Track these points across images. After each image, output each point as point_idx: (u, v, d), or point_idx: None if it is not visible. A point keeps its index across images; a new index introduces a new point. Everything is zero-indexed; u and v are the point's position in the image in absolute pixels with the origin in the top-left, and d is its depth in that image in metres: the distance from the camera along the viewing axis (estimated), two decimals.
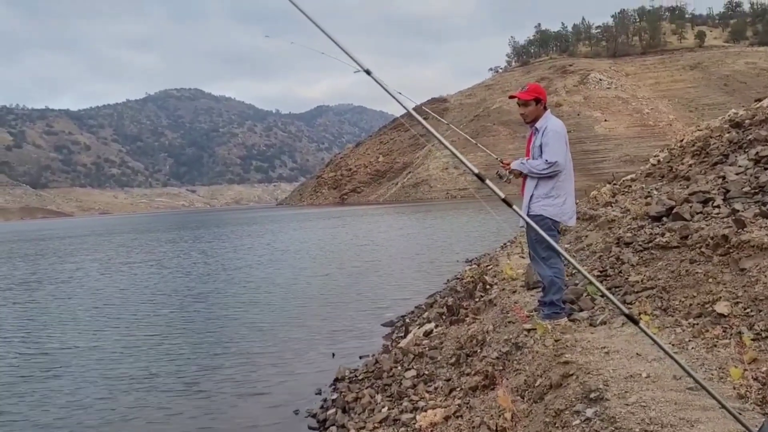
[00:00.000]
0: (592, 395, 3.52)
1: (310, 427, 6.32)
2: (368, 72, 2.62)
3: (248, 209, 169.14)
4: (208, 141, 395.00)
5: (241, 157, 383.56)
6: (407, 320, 10.49)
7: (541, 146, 4.89)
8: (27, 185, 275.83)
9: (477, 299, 8.26)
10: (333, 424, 6.04)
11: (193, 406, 7.26)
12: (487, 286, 8.46)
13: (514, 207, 2.70)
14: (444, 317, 8.98)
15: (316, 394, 7.34)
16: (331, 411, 6.38)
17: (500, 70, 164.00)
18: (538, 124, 5.02)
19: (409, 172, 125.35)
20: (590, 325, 4.83)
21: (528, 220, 3.10)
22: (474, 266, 14.04)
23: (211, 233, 46.38)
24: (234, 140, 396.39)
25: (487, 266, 10.96)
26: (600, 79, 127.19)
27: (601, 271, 6.02)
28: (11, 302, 16.24)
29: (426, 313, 10.27)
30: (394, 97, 2.83)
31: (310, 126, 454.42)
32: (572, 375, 3.87)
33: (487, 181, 2.50)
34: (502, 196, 2.53)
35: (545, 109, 5.10)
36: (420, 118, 2.64)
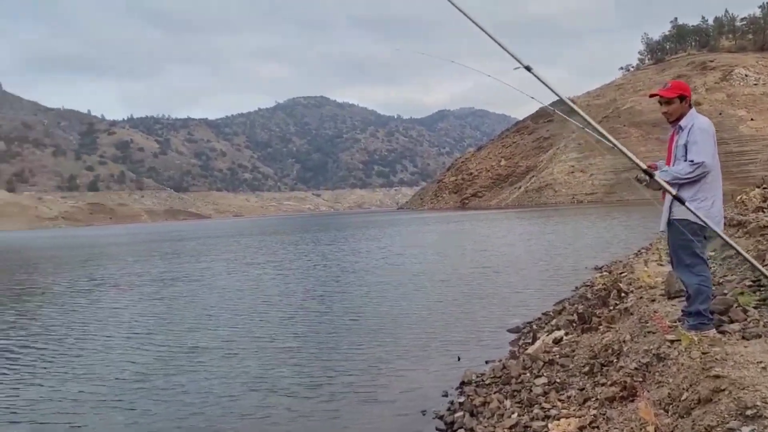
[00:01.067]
0: (749, 412, 3.29)
1: (437, 429, 6.35)
2: (528, 68, 2.62)
3: (370, 213, 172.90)
4: (332, 147, 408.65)
5: (363, 162, 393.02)
6: (534, 327, 10.26)
7: (685, 145, 4.60)
8: (171, 189, 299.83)
9: (611, 307, 7.92)
10: (461, 427, 6.04)
11: (318, 405, 7.44)
12: (622, 294, 8.08)
13: (687, 204, 2.65)
14: (575, 325, 8.68)
15: (443, 396, 7.36)
16: (459, 414, 6.38)
17: (632, 69, 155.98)
18: (682, 123, 4.74)
19: (533, 176, 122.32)
20: (743, 338, 4.49)
21: (716, 229, 2.93)
22: (605, 273, 13.45)
23: (332, 236, 47.89)
24: (357, 146, 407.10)
25: (620, 273, 10.48)
26: (746, 75, 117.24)
27: (753, 281, 5.57)
28: (145, 299, 17.60)
29: (554, 320, 9.98)
30: (556, 93, 2.81)
31: (431, 130, 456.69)
32: (724, 390, 3.62)
33: (657, 177, 2.50)
34: (674, 192, 2.53)
35: (690, 106, 4.82)
36: (584, 115, 2.61)
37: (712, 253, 7.58)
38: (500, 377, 7.15)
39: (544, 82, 2.75)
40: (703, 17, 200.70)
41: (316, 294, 16.72)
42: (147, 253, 39.55)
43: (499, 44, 2.51)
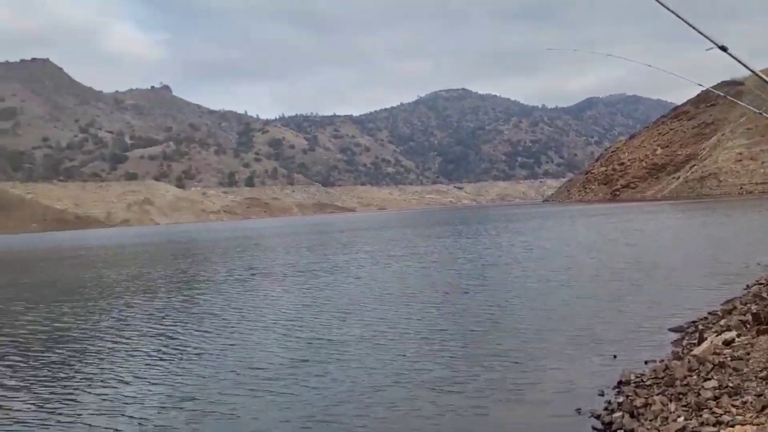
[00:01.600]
0: None
1: (594, 428, 6.00)
2: (724, 48, 2.51)
3: (513, 206, 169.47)
4: (474, 139, 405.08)
5: (506, 154, 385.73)
6: (700, 326, 9.39)
7: None
8: (319, 184, 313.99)
9: None
10: (620, 428, 5.64)
11: (465, 401, 7.24)
12: None
13: None
14: (748, 326, 7.83)
15: (599, 395, 6.93)
16: (617, 414, 5.96)
17: None
18: None
19: (694, 165, 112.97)
20: None
21: None
22: None
23: (474, 229, 47.42)
24: (499, 137, 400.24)
25: None
26: None
27: None
28: (295, 289, 18.38)
29: (723, 320, 9.07)
30: (758, 75, 2.53)
31: (577, 119, 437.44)
32: None
33: None
34: None
35: None
36: None
37: None
38: (662, 378, 6.60)
39: (741, 62, 2.61)
40: None
41: (458, 287, 16.58)
42: (297, 244, 41.64)
43: (691, 26, 2.47)
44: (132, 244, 60.20)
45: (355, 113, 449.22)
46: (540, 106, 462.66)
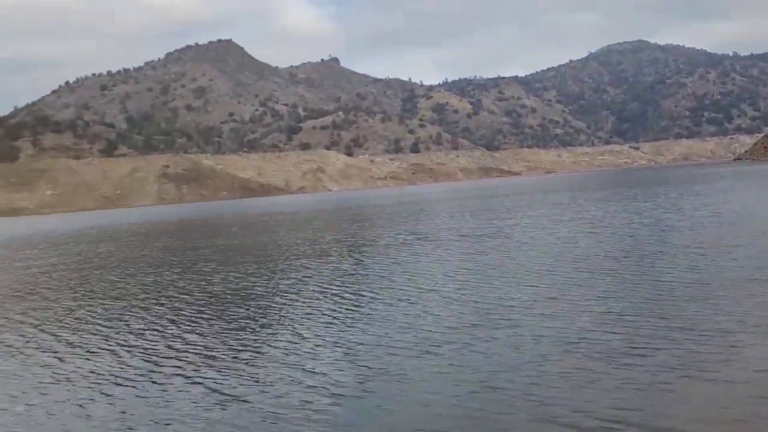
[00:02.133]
0: None
1: None
2: None
3: (698, 165, 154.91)
4: (652, 94, 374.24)
5: (690, 109, 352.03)
6: None
7: None
8: (483, 148, 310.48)
9: None
10: None
11: (645, 375, 6.76)
12: None
13: None
14: None
15: None
16: None
17: None
18: None
19: None
20: None
21: None
22: None
23: (651, 192, 44.00)
24: (682, 91, 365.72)
25: None
26: None
27: None
28: (459, 254, 18.34)
29: None
30: None
31: None
32: None
33: None
34: None
35: None
36: None
37: None
38: None
39: None
40: None
41: (633, 253, 15.49)
42: (461, 209, 41.62)
43: None
44: (306, 209, 64.10)
45: (521, 74, 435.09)
46: (731, 54, 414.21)
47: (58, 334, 11.16)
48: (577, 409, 5.98)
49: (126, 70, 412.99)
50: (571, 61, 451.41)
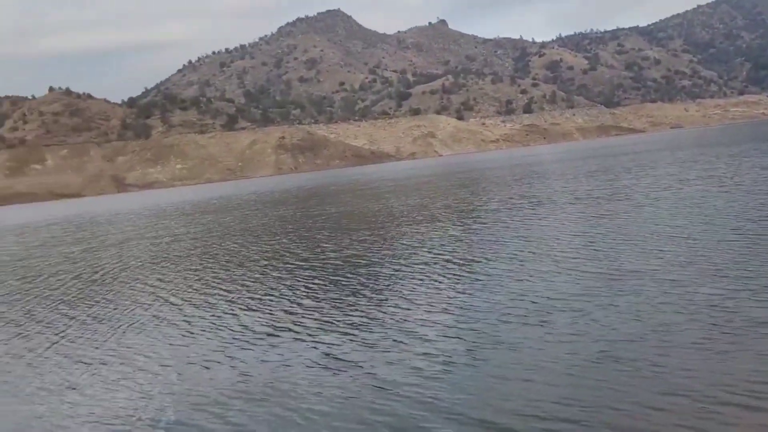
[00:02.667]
0: None
1: None
2: None
3: None
4: None
5: None
6: None
7: None
8: (601, 105, 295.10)
9: None
10: None
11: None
12: None
13: None
14: None
15: None
16: None
17: None
18: None
19: None
20: None
21: None
22: None
23: None
24: None
25: None
26: None
27: None
28: (571, 217, 17.50)
29: None
30: None
31: None
32: None
33: None
34: None
35: None
36: None
37: None
38: None
39: None
40: None
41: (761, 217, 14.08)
42: (576, 170, 39.90)
43: None
44: (416, 175, 64.16)
45: (642, 23, 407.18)
46: None
47: (186, 298, 11.92)
48: (713, 383, 5.55)
49: (242, 47, 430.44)
50: (699, 6, 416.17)
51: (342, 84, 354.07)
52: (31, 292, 14.62)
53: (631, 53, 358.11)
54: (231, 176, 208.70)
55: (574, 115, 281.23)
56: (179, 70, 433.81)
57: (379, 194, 38.22)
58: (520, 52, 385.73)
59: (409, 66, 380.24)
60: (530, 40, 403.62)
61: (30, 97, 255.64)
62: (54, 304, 12.79)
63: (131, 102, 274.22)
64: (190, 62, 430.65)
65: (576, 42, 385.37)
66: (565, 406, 5.49)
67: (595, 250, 12.18)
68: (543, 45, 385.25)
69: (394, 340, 7.85)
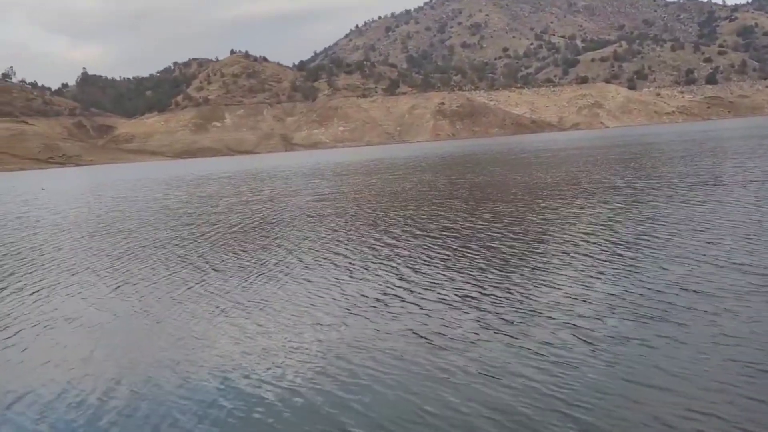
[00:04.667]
0: None
1: None
2: None
3: None
4: None
5: None
6: None
7: None
8: None
9: None
10: None
11: None
12: None
13: None
14: None
15: None
16: None
17: None
18: None
19: None
20: None
21: None
22: None
23: None
24: None
25: None
26: None
27: None
28: (753, 200, 15.26)
29: None
30: None
31: None
32: None
33: None
34: None
35: None
36: None
37: None
38: None
39: None
40: None
41: None
42: (756, 149, 35.21)
43: None
44: (573, 147, 60.81)
45: None
46: None
47: (319, 257, 11.99)
48: None
49: (407, 12, 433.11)
50: None
51: (506, 50, 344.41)
52: (179, 237, 15.64)
53: None
54: (390, 140, 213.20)
55: (767, 87, 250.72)
56: (346, 35, 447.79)
57: (529, 165, 36.61)
58: (707, 16, 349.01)
59: (578, 31, 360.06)
60: (720, 2, 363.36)
61: (214, 60, 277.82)
62: (188, 252, 13.52)
63: (301, 65, 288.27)
64: (356, 27, 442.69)
65: None
66: (698, 421, 4.55)
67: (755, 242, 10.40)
68: (735, 8, 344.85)
69: (511, 323, 7.17)
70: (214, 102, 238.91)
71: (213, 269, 11.59)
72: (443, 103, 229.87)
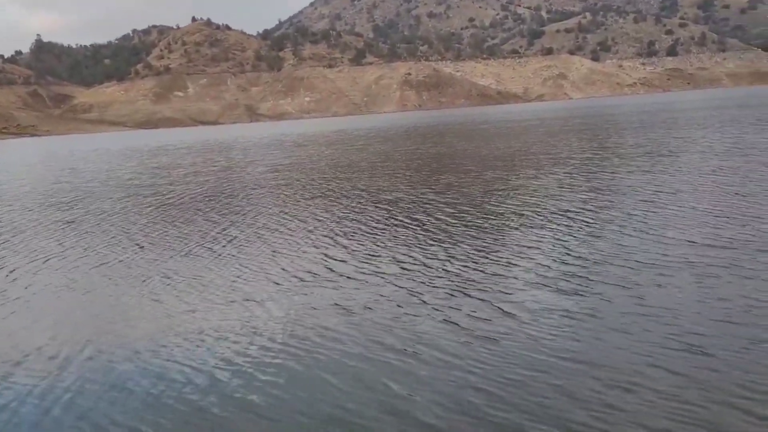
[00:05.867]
0: None
1: None
2: None
3: None
4: None
5: None
6: None
7: None
8: (759, 49, 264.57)
9: None
10: None
11: None
12: None
13: None
14: None
15: None
16: None
17: None
18: None
19: None
20: None
21: None
22: None
23: None
24: None
25: None
26: None
27: None
28: (707, 171, 15.42)
29: None
30: None
31: None
32: None
33: None
34: None
35: None
36: None
37: None
38: None
39: None
40: None
41: None
42: (719, 120, 35.79)
43: None
44: (535, 118, 61.11)
45: None
46: None
47: (260, 229, 11.71)
48: None
49: None
50: None
51: (472, 20, 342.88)
52: (125, 207, 15.16)
53: None
54: (356, 111, 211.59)
55: (725, 59, 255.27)
56: (311, 3, 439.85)
57: (488, 136, 36.59)
58: None
59: (544, 2, 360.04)
60: None
61: (175, 27, 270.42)
62: (121, 222, 13.11)
63: (265, 34, 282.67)
64: None
65: None
66: (616, 395, 4.49)
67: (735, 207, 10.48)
68: None
69: (440, 296, 7.04)
70: (175, 71, 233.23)
71: (148, 242, 11.23)
72: (410, 74, 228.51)
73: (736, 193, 11.72)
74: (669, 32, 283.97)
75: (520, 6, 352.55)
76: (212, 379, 5.33)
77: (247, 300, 7.43)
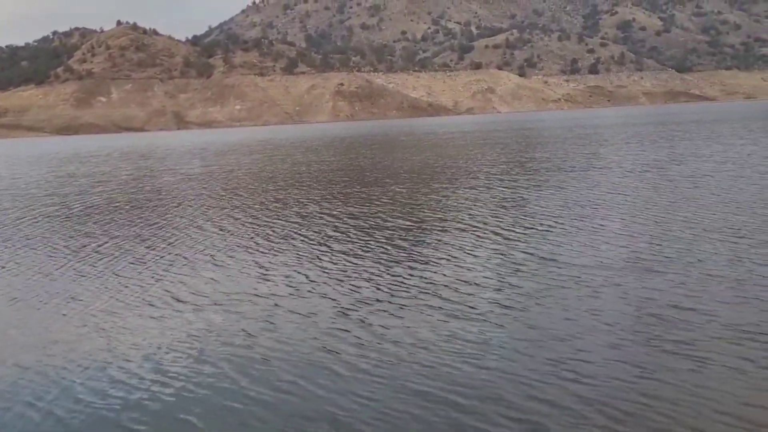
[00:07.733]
0: None
1: None
2: None
3: None
4: None
5: None
6: None
7: None
8: (673, 69, 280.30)
9: None
10: None
11: None
12: None
13: None
14: None
15: None
16: None
17: None
18: None
19: None
20: None
21: None
22: None
23: None
24: None
25: None
26: None
27: None
28: (634, 183, 16.01)
29: None
30: None
31: None
32: None
33: None
34: None
35: None
36: None
37: None
38: None
39: None
40: None
41: None
42: (638, 136, 37.41)
43: None
44: (459, 131, 62.29)
45: None
46: None
47: (157, 241, 11.24)
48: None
49: None
50: None
51: (404, 33, 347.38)
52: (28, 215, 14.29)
53: (709, 16, 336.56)
54: (288, 120, 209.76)
55: (642, 78, 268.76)
56: (243, 11, 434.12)
57: (409, 148, 36.94)
58: (591, 9, 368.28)
59: (473, 18, 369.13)
60: None
61: (98, 30, 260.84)
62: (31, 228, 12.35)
63: (195, 40, 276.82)
64: (254, 3, 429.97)
65: (652, 2, 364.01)
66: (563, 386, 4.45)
67: (660, 214, 10.82)
68: (616, 2, 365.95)
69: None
70: (98, 75, 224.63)
71: (30, 259, 10.57)
72: (342, 84, 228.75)
73: (629, 212, 12.17)
74: (591, 51, 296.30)
75: (450, 21, 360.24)
76: (136, 392, 4.97)
77: (110, 327, 7.05)
